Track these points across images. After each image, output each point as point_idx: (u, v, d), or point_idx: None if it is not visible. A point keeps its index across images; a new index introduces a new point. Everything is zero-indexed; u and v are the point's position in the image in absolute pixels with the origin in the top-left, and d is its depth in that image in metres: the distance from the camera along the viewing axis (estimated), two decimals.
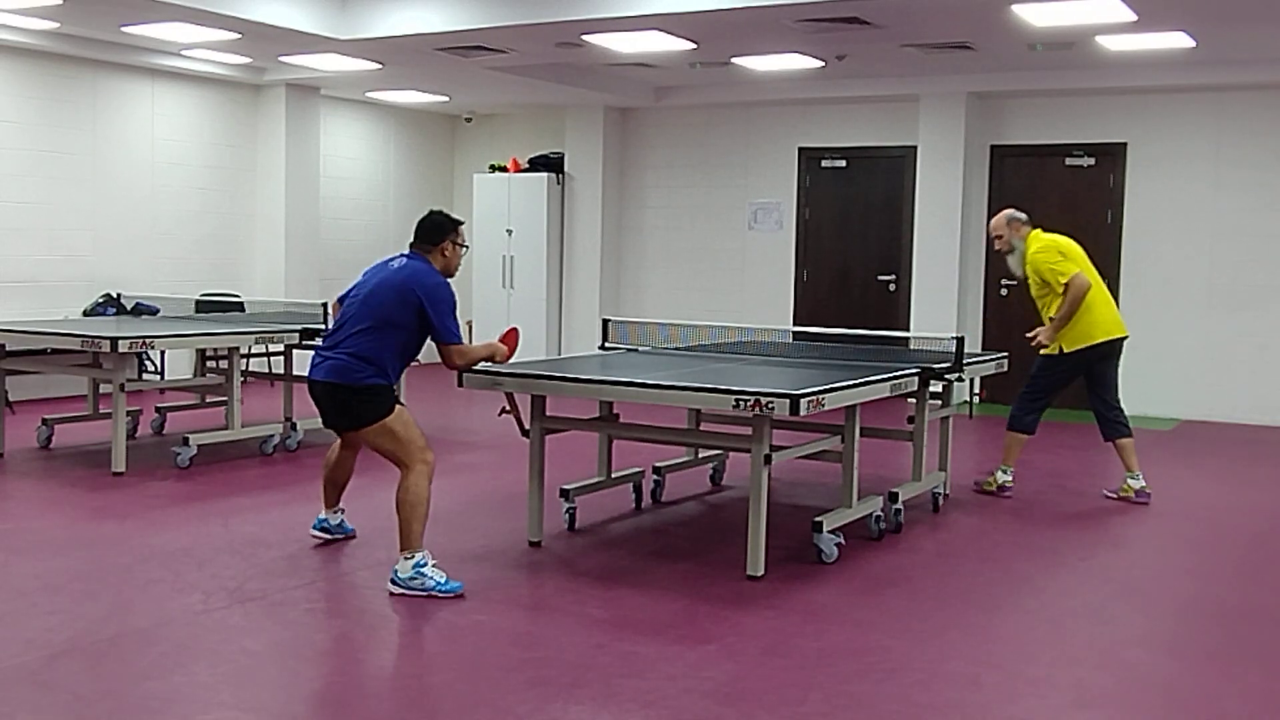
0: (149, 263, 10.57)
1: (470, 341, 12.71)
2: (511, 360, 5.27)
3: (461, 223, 5.01)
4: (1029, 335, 6.79)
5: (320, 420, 5.01)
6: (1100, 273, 6.83)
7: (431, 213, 4.98)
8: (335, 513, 5.40)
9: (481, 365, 5.12)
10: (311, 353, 5.00)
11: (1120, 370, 6.96)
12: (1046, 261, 6.62)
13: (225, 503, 6.22)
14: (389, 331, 4.71)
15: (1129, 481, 6.79)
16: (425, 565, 4.62)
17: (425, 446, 4.78)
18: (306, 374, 4.90)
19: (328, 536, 5.39)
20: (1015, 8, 7.43)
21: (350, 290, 4.89)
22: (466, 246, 5.05)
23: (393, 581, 4.65)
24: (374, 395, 4.71)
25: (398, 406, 4.78)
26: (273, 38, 8.94)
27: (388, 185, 13.22)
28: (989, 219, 10.81)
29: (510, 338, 5.21)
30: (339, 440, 5.20)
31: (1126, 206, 10.44)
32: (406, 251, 4.93)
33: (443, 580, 4.62)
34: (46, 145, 9.87)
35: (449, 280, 4.88)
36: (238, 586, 4.69)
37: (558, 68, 10.35)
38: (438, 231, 4.90)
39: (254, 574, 4.87)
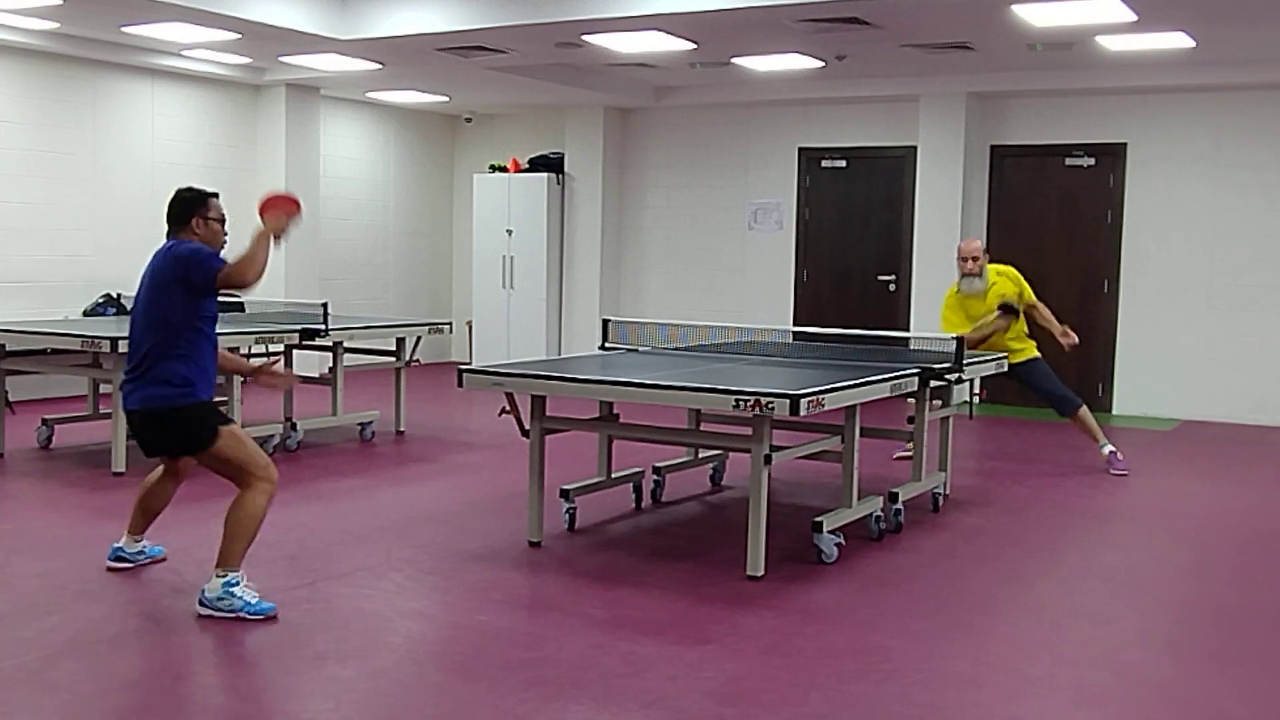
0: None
1: (470, 340, 12.77)
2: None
3: (212, 195, 4.60)
4: (1069, 340, 7.77)
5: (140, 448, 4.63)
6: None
7: (177, 191, 4.60)
8: (136, 540, 4.92)
9: (476, 367, 5.09)
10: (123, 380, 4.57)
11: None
12: (1024, 282, 7.78)
13: (225, 503, 6.15)
14: (172, 333, 4.39)
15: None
16: (236, 585, 4.31)
17: (266, 464, 4.45)
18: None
19: (129, 565, 4.90)
20: (1015, 8, 7.43)
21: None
22: (223, 218, 4.59)
23: (200, 601, 4.33)
24: (194, 415, 4.41)
25: (225, 428, 4.44)
26: (273, 38, 8.94)
27: (388, 185, 13.22)
28: (989, 219, 10.90)
29: (275, 205, 4.50)
30: (161, 466, 4.84)
31: (1126, 206, 10.43)
32: (165, 242, 4.57)
33: (253, 601, 4.30)
34: (46, 145, 9.87)
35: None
36: None
37: (558, 68, 10.35)
38: (182, 209, 4.55)
39: (254, 574, 4.86)
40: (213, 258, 4.40)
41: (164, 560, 4.99)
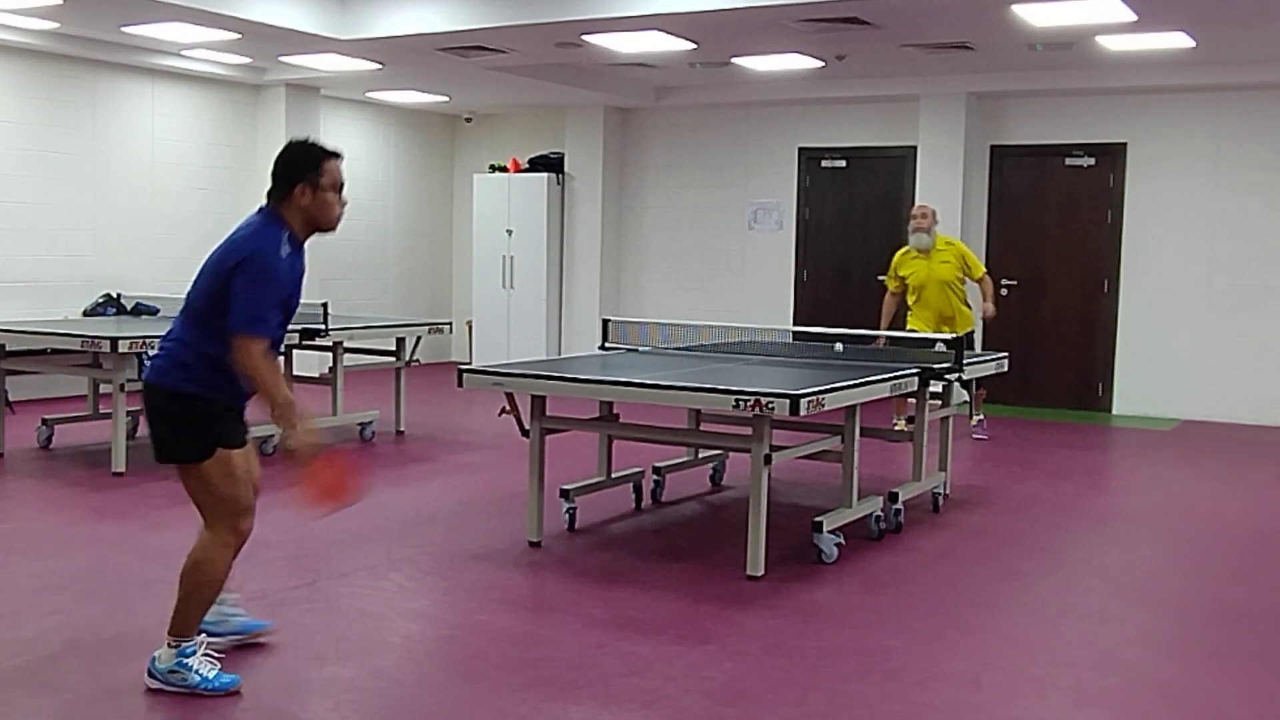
0: (149, 263, 10.56)
1: (471, 340, 12.76)
2: (347, 503, 3.88)
3: (330, 155, 3.67)
4: (987, 316, 8.57)
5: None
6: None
7: (289, 143, 3.67)
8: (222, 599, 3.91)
9: (476, 367, 5.08)
10: None
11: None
12: (969, 254, 8.48)
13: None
14: (204, 319, 3.56)
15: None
16: (192, 655, 3.58)
17: (244, 511, 3.67)
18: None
19: (239, 639, 3.98)
20: (1015, 8, 7.43)
21: None
22: (341, 185, 3.71)
23: (149, 673, 3.58)
24: (189, 408, 3.54)
25: (224, 450, 3.60)
26: (273, 38, 8.94)
27: (388, 185, 13.22)
28: (989, 219, 10.91)
29: (327, 486, 3.79)
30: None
31: (1126, 206, 10.43)
32: (254, 212, 3.75)
33: (211, 675, 3.56)
34: (46, 145, 9.87)
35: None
36: (238, 586, 4.68)
37: (558, 68, 10.35)
38: (287, 173, 3.60)
39: (254, 574, 4.87)
40: (256, 294, 3.51)
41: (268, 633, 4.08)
